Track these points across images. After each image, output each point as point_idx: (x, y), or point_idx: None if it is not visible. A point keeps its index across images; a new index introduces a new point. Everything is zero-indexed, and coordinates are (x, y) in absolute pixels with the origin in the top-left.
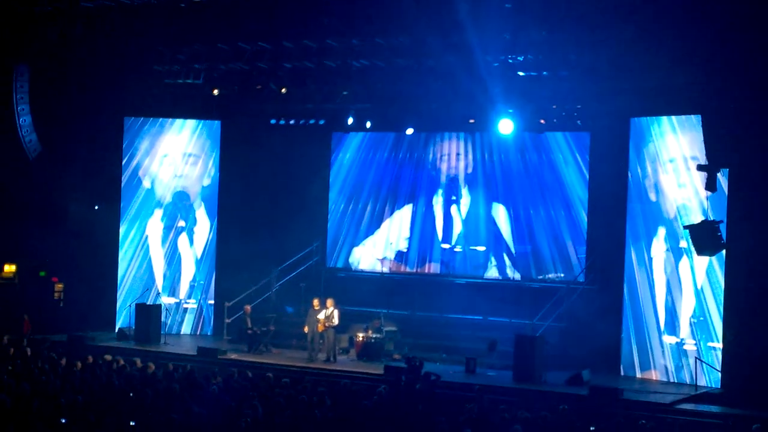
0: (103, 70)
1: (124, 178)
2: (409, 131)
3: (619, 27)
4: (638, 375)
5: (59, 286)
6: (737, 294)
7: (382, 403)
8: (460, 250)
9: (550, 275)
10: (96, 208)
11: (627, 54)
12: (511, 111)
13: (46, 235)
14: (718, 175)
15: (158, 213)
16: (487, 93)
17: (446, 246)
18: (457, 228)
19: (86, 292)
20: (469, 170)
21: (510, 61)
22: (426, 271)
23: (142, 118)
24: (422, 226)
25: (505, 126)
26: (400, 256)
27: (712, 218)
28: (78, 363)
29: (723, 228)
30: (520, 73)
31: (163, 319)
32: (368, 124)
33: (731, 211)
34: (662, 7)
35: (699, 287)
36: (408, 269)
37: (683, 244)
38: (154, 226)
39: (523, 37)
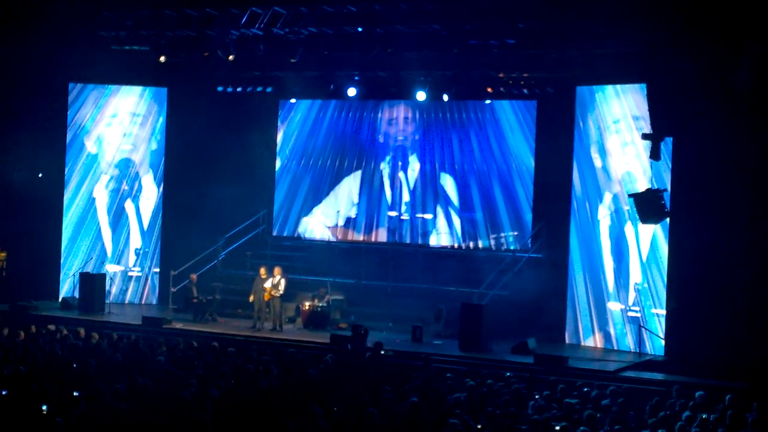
0: (48, 36)
1: (69, 145)
2: (351, 92)
3: None
4: (583, 343)
5: (2, 255)
6: (680, 262)
7: (329, 371)
8: (407, 217)
9: (496, 243)
10: (40, 175)
11: (573, 22)
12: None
13: None
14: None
15: (104, 178)
16: (436, 61)
17: (393, 213)
18: (405, 195)
19: (30, 261)
20: (417, 137)
21: (458, 29)
22: (373, 239)
23: (87, 84)
24: (369, 193)
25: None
26: (348, 222)
27: (656, 186)
28: (21, 333)
29: (667, 196)
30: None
31: (107, 287)
32: (316, 92)
33: (675, 180)
34: None
35: (643, 254)
36: (356, 236)
37: (628, 209)
38: (101, 191)
39: (472, 5)
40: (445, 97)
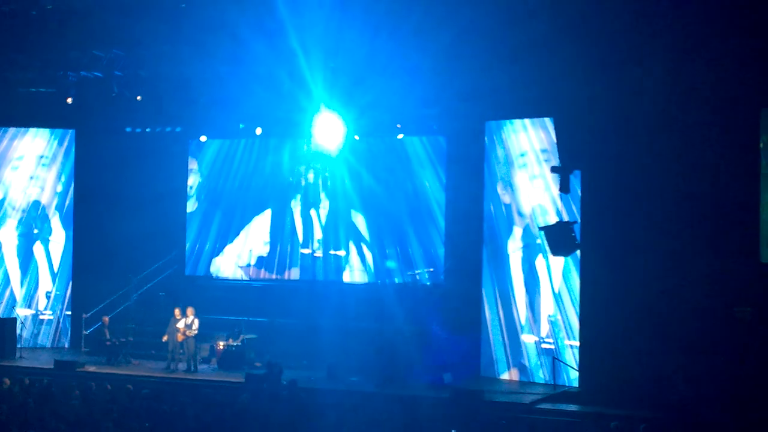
0: None
1: None
2: (258, 131)
3: (470, 30)
4: (498, 376)
5: None
6: (592, 293)
7: (245, 411)
8: (321, 255)
9: (411, 277)
10: None
11: (480, 57)
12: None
13: None
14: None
15: (11, 222)
16: (344, 96)
17: (306, 251)
18: (317, 233)
19: None
20: (327, 174)
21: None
22: (287, 276)
23: None
24: (281, 231)
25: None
26: (260, 261)
27: (566, 219)
28: None
29: (577, 228)
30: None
31: (18, 331)
32: (225, 131)
33: (584, 211)
34: (513, 10)
35: (556, 286)
36: (269, 275)
37: (539, 242)
38: (8, 235)
39: (385, 40)
40: (356, 137)
